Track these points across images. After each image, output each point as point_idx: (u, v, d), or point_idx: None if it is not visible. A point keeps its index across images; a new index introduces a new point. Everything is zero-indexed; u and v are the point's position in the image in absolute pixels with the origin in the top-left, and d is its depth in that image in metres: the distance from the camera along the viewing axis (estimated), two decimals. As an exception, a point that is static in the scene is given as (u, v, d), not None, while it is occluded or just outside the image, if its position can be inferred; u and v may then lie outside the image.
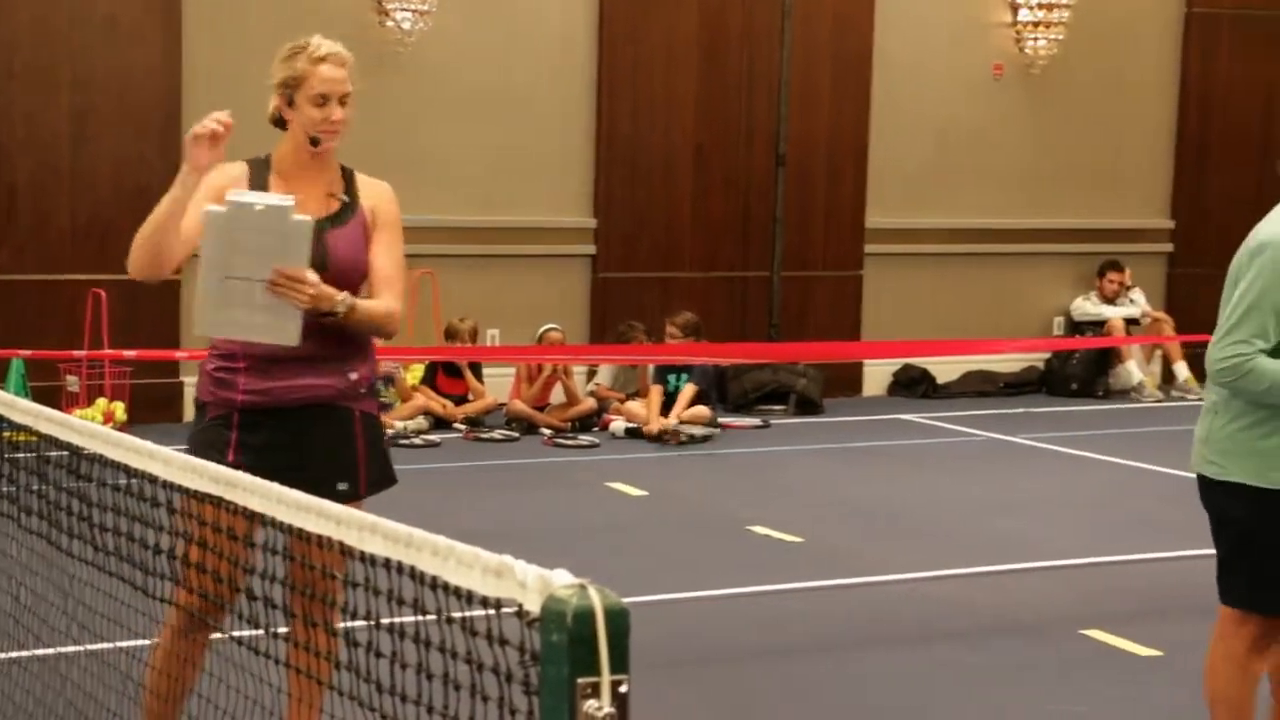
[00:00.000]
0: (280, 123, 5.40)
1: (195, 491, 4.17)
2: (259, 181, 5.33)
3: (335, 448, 5.42)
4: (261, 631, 4.53)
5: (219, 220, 4.99)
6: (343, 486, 5.26)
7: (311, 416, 5.38)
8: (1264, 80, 16.70)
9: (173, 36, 12.63)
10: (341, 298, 5.20)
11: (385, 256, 5.46)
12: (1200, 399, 15.33)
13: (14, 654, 6.18)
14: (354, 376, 5.42)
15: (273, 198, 5.07)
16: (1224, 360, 5.23)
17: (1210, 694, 5.50)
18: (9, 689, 6.05)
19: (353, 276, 5.36)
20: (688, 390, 12.97)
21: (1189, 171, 16.57)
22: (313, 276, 5.08)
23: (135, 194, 10.97)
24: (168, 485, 4.33)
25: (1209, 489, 5.45)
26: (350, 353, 5.43)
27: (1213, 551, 9.87)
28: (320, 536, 3.50)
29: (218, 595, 4.83)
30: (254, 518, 3.89)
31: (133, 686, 5.48)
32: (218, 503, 4.06)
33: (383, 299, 5.42)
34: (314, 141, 5.32)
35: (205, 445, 5.19)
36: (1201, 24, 16.45)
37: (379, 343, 5.69)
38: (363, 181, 5.54)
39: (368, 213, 5.47)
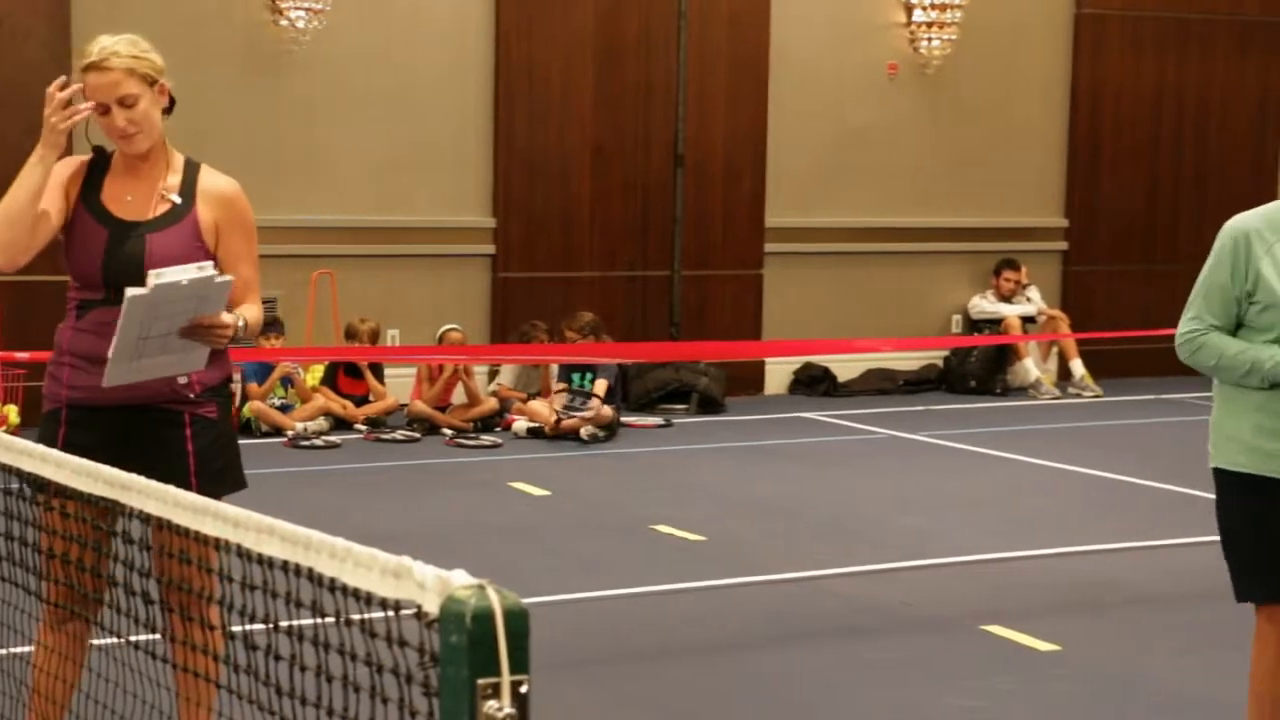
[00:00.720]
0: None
1: (42, 480, 4.21)
2: (93, 175, 5.34)
3: (163, 450, 5.32)
4: (155, 635, 4.50)
5: (142, 302, 4.93)
6: (189, 481, 5.19)
7: (140, 419, 5.30)
8: (1153, 80, 16.86)
9: (61, 36, 12.51)
10: (239, 323, 5.21)
11: (244, 263, 5.40)
12: (1095, 395, 15.52)
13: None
14: (181, 381, 5.33)
15: (191, 269, 5.01)
16: (1180, 336, 5.37)
17: (1252, 687, 5.60)
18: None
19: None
20: (600, 385, 12.93)
21: (1082, 170, 16.69)
22: (229, 318, 5.11)
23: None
24: (58, 489, 4.27)
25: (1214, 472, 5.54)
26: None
27: (1105, 546, 9.98)
28: (182, 529, 3.55)
29: (82, 585, 4.85)
30: (113, 509, 3.92)
31: (27, 691, 5.40)
32: (78, 495, 4.07)
33: (253, 306, 5.39)
34: (108, 151, 5.39)
35: (44, 438, 5.09)
36: (1091, 25, 16.59)
37: (273, 342, 5.61)
38: (206, 182, 5.42)
39: (204, 217, 5.35)
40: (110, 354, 4.98)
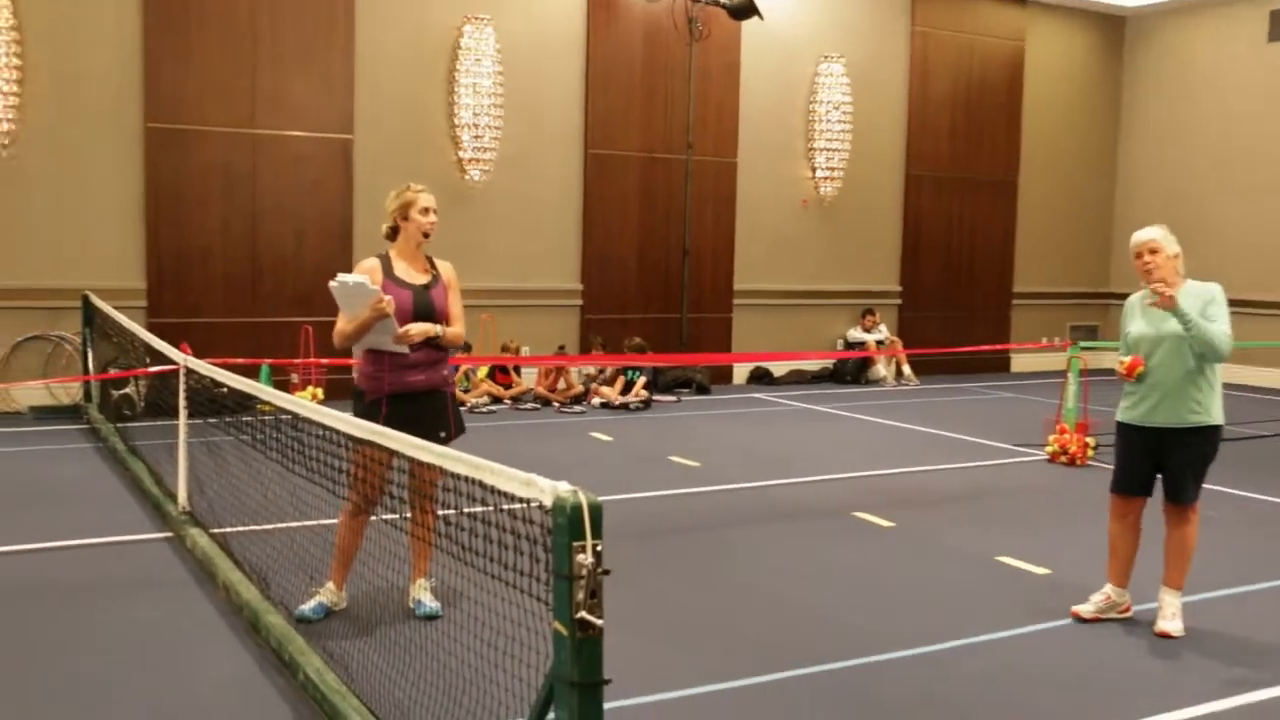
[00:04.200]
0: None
1: (359, 439, 4.22)
2: (385, 266, 5.48)
3: (438, 413, 5.44)
4: (407, 516, 4.54)
5: (335, 290, 5.21)
6: (442, 434, 5.34)
7: (426, 396, 5.40)
8: (946, 208, 16.81)
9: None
10: (439, 330, 5.31)
11: (455, 305, 5.56)
12: (916, 385, 15.41)
13: (265, 525, 6.18)
14: (445, 373, 5.49)
15: (354, 277, 5.23)
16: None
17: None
18: (261, 549, 6.03)
19: (442, 316, 5.42)
20: (641, 380, 12.97)
21: (909, 258, 16.63)
22: (418, 328, 5.30)
23: None
24: (347, 436, 4.35)
25: None
26: (442, 360, 5.48)
27: (923, 468, 9.96)
28: (427, 464, 3.56)
29: (370, 495, 4.99)
30: (392, 453, 3.93)
31: (327, 545, 5.48)
32: (367, 446, 4.18)
33: (456, 327, 5.53)
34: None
35: (364, 416, 5.21)
36: (916, 180, 16.53)
37: (459, 354, 5.71)
38: (440, 264, 5.63)
39: (444, 281, 5.54)
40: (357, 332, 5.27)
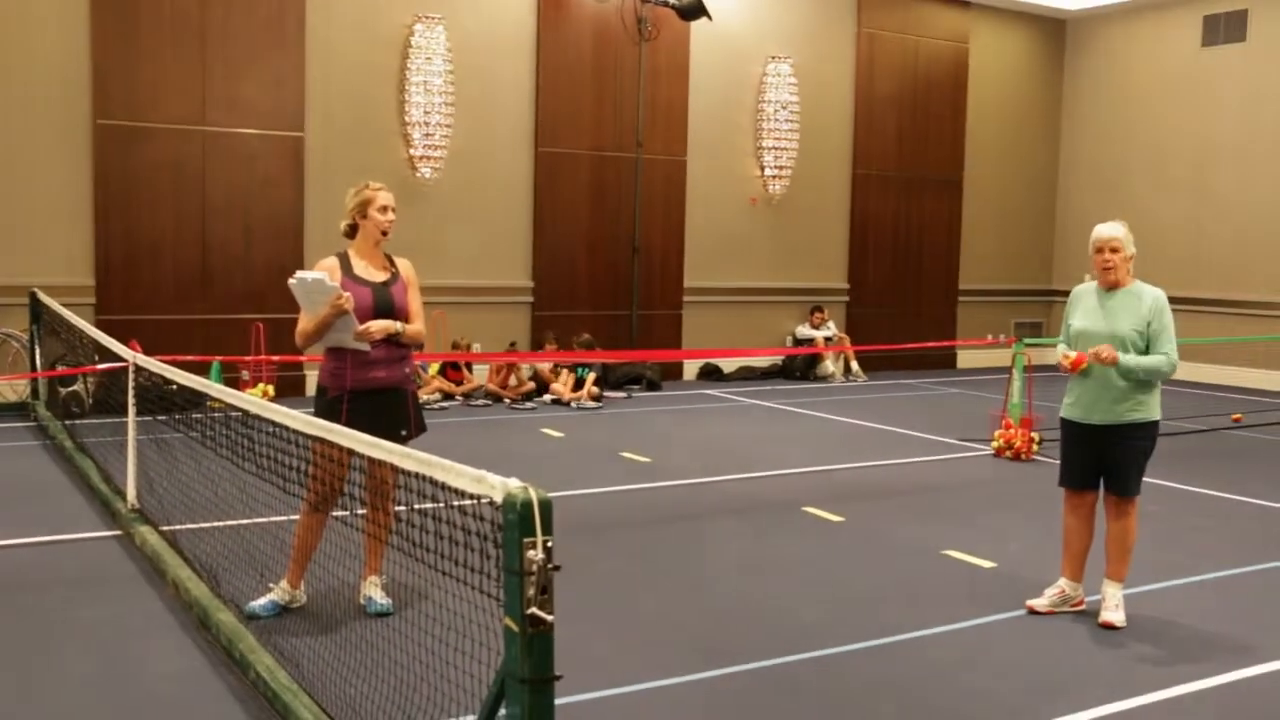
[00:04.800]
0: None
1: (315, 436, 4.17)
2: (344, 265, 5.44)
3: (400, 411, 5.41)
4: (358, 513, 4.48)
5: (294, 286, 5.19)
6: (404, 432, 5.30)
7: (388, 394, 5.37)
8: (893, 207, 16.93)
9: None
10: (399, 327, 5.27)
11: (415, 302, 5.52)
12: (864, 381, 15.49)
13: (214, 523, 6.10)
14: (407, 371, 5.45)
15: (314, 274, 5.20)
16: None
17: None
18: (211, 546, 5.96)
19: (402, 313, 5.36)
20: (591, 377, 12.94)
21: (857, 256, 16.72)
22: (378, 325, 5.28)
23: None
24: (297, 433, 4.31)
25: None
26: (403, 357, 5.44)
27: (870, 463, 10.01)
28: (381, 461, 3.53)
29: (328, 493, 4.96)
30: (348, 450, 3.89)
31: (277, 543, 5.42)
32: (327, 443, 4.15)
33: (416, 324, 5.48)
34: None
35: (326, 411, 5.16)
36: (863, 180, 16.61)
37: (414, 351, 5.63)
38: (399, 261, 5.61)
39: (404, 278, 5.52)
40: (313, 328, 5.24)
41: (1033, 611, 5.65)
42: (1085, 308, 5.60)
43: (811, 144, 16.03)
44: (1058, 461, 5.81)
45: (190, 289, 12.14)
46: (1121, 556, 5.55)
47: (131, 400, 6.84)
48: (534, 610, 2.59)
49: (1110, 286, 5.53)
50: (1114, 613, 5.49)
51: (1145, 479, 5.60)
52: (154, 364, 6.51)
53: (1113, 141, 17.77)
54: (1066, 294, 5.87)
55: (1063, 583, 5.69)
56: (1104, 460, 5.54)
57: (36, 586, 5.78)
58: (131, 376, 6.87)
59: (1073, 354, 5.48)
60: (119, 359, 7.21)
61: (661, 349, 14.83)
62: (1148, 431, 5.50)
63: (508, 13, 13.79)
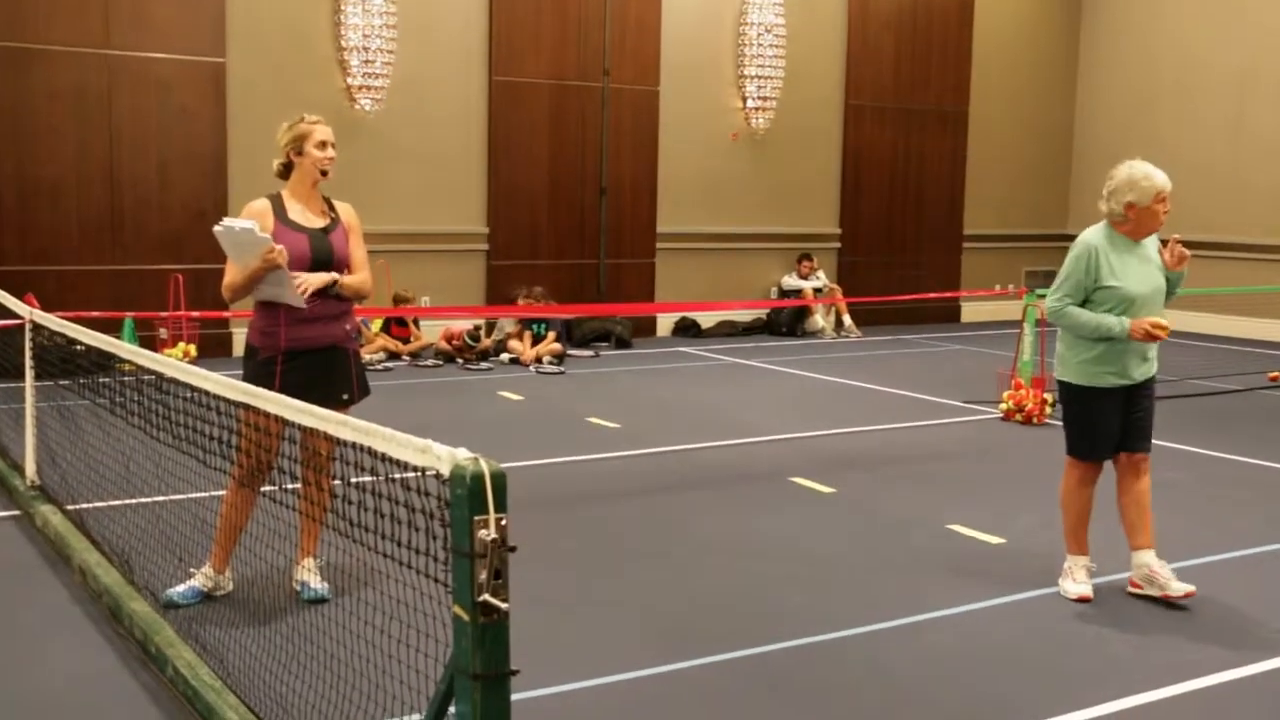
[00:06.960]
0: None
1: (241, 402, 4.11)
2: (278, 207, 5.36)
3: (340, 373, 5.39)
4: (289, 488, 4.48)
5: (221, 235, 5.11)
6: (345, 396, 5.30)
7: (326, 353, 5.35)
8: (890, 143, 16.97)
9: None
10: (335, 277, 5.24)
11: (358, 250, 5.46)
12: (857, 337, 15.61)
13: (127, 500, 6.07)
14: (347, 328, 5.42)
15: (241, 222, 5.10)
16: (1051, 306, 5.68)
17: (1061, 502, 5.86)
18: (123, 527, 5.94)
19: (343, 262, 5.34)
20: (551, 335, 12.92)
21: (849, 198, 16.76)
22: (315, 278, 5.20)
23: None
24: (220, 398, 4.26)
25: (1059, 382, 5.82)
26: (344, 313, 5.41)
27: (863, 428, 10.10)
28: (316, 430, 3.48)
29: (259, 467, 4.91)
30: (278, 419, 3.83)
31: (199, 523, 5.39)
32: (256, 410, 4.02)
33: (359, 274, 5.42)
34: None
35: (257, 375, 5.12)
36: (855, 111, 16.63)
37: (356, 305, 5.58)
38: (338, 204, 5.54)
39: (345, 224, 5.45)
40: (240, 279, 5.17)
41: (1135, 592, 5.71)
42: (1123, 267, 5.59)
43: (799, 72, 15.99)
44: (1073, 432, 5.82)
45: (97, 235, 12.02)
46: (1148, 520, 5.68)
47: (29, 363, 6.78)
48: (486, 597, 2.56)
49: (1142, 237, 5.66)
50: (1179, 581, 5.57)
51: (1167, 443, 5.74)
52: (55, 321, 6.43)
53: (1138, 69, 17.77)
54: (1083, 240, 5.85)
55: (1148, 558, 5.69)
56: (1127, 420, 5.66)
57: (-76, 573, 5.73)
58: (28, 336, 6.80)
59: (1164, 323, 5.52)
60: (14, 316, 7.13)
61: (632, 302, 14.86)
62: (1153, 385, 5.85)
63: (456, -78, 13.68)
